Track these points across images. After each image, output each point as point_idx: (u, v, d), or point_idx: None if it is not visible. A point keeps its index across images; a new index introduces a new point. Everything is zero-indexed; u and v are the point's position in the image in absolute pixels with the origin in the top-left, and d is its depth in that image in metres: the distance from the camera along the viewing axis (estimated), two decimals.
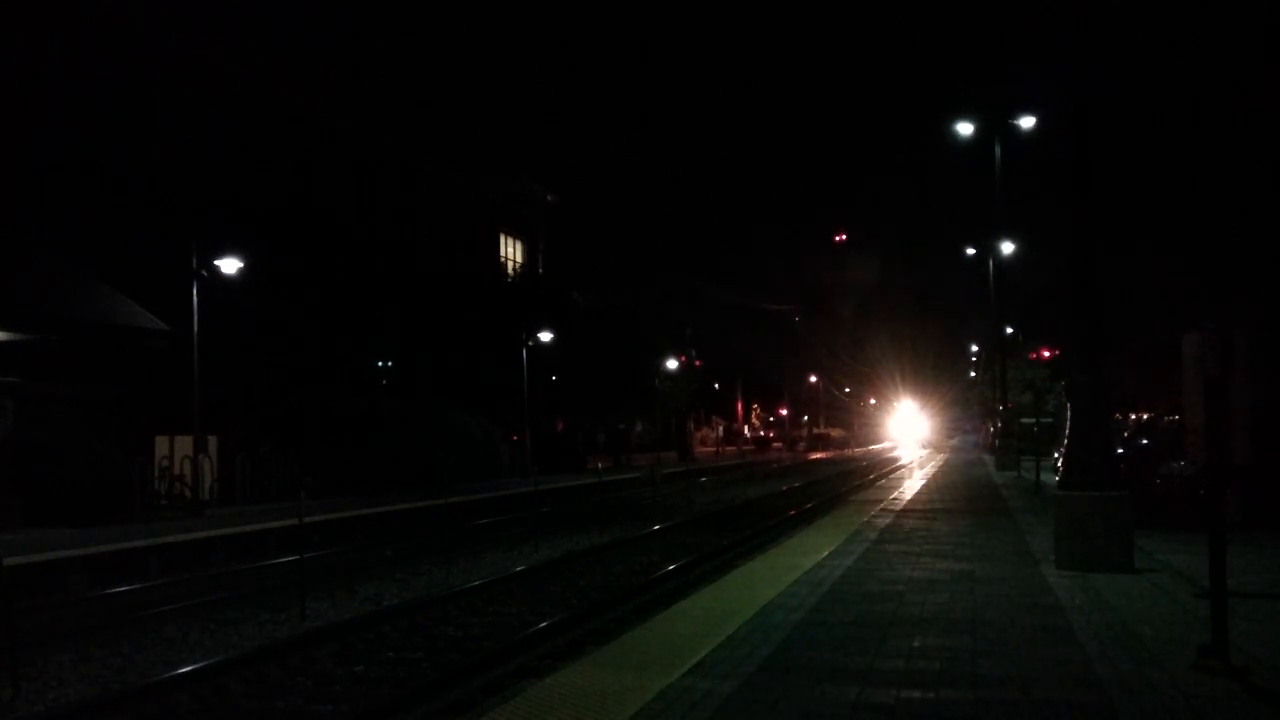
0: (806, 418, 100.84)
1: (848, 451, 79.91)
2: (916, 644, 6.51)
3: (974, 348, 73.00)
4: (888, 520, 15.38)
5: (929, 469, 35.44)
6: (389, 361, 31.12)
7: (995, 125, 31.18)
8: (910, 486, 24.68)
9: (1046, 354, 46.91)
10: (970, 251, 42.56)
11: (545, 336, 35.40)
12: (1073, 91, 10.01)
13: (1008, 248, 35.12)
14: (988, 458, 41.37)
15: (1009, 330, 42.14)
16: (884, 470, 42.42)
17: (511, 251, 51.42)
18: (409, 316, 30.94)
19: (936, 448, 79.13)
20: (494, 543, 19.79)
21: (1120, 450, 15.64)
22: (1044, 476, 22.85)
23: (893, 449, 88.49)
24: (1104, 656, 6.06)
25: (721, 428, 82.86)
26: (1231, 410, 5.92)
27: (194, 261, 21.38)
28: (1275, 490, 12.51)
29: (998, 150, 31.24)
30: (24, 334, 19.33)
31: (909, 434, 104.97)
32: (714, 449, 73.16)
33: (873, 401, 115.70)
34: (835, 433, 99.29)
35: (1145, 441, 17.36)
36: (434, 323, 32.04)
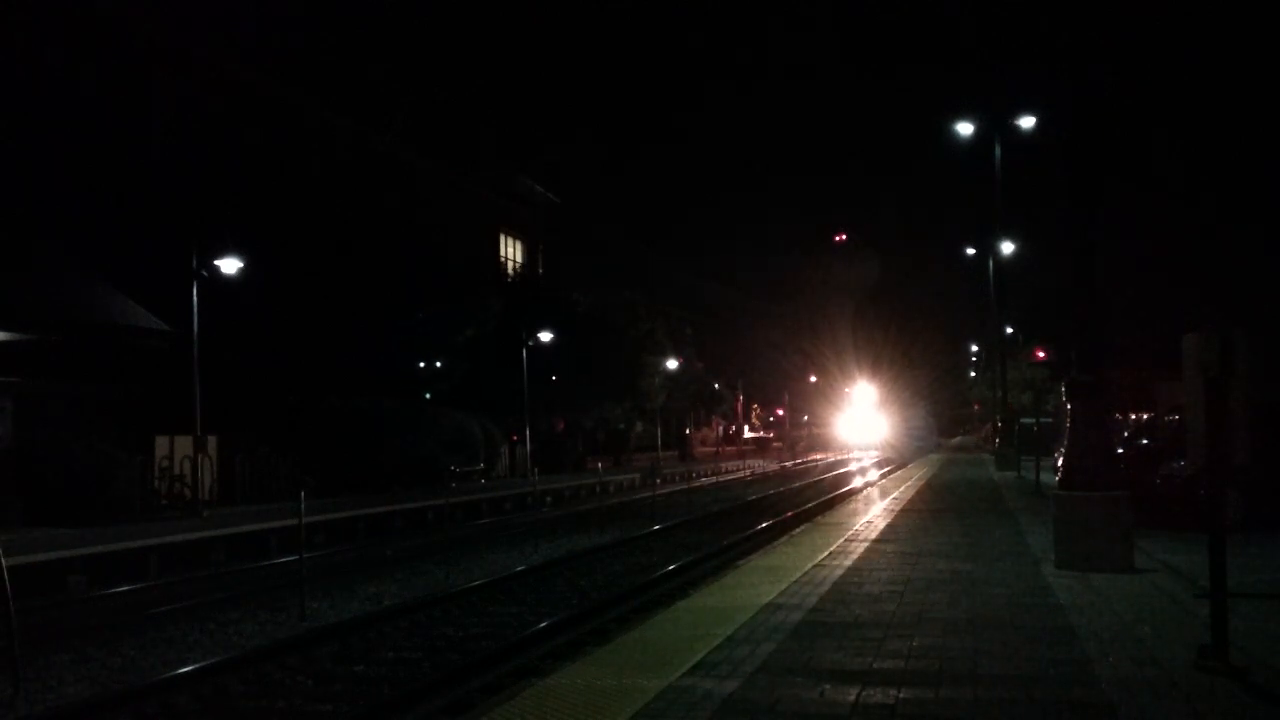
0: (807, 417, 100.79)
1: (844, 454, 78.88)
2: (916, 644, 6.51)
3: (974, 348, 72.94)
4: (888, 520, 15.38)
5: (925, 473, 35.39)
6: (389, 361, 31.08)
7: (996, 125, 31.15)
8: (911, 487, 24.68)
9: (1041, 355, 46.97)
10: (970, 251, 42.55)
11: (545, 336, 35.38)
12: (1073, 92, 10.01)
13: (1008, 248, 35.10)
14: (987, 457, 41.36)
15: (1009, 330, 42.14)
16: (879, 474, 42.38)
17: (511, 251, 51.41)
18: (408, 316, 30.91)
19: (899, 451, 69.28)
20: (494, 542, 19.80)
21: (1120, 450, 15.64)
22: (1044, 476, 22.84)
23: (843, 461, 61.96)
24: (1104, 656, 6.07)
25: (721, 428, 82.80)
26: (1231, 410, 5.91)
27: (194, 261, 21.35)
28: (1275, 490, 12.51)
29: (998, 150, 31.22)
30: (24, 334, 19.32)
31: (866, 433, 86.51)
32: (714, 449, 73.12)
33: (873, 401, 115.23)
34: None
35: (1145, 441, 17.36)
36: (434, 322, 32.01)
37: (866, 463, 56.60)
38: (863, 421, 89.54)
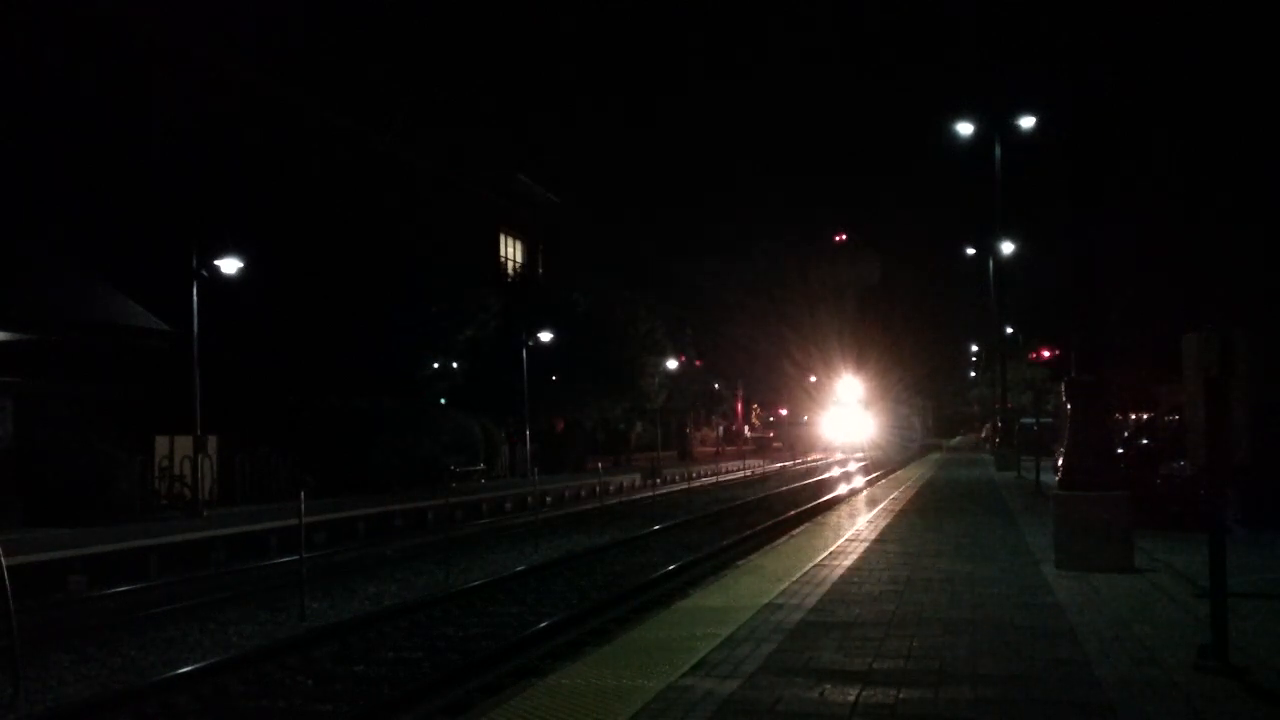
0: (806, 417, 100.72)
1: (831, 455, 76.26)
2: (917, 644, 6.51)
3: (974, 347, 72.91)
4: (888, 520, 15.38)
5: (925, 474, 35.39)
6: (389, 361, 31.07)
7: (996, 125, 31.16)
8: (911, 488, 24.68)
9: (1046, 354, 46.94)
10: (970, 251, 42.56)
11: (545, 336, 35.39)
12: (1073, 92, 10.01)
13: (1008, 248, 35.11)
14: (987, 458, 41.38)
15: (1009, 330, 42.14)
16: (879, 475, 42.35)
17: (511, 251, 51.38)
18: (408, 316, 30.91)
19: (886, 452, 66.50)
20: (494, 543, 19.81)
21: (1120, 450, 15.65)
22: (1044, 477, 22.85)
23: (840, 462, 57.95)
24: (1104, 656, 6.07)
25: (721, 428, 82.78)
26: (1231, 410, 5.91)
27: (194, 261, 21.36)
28: (1275, 490, 12.51)
29: (998, 150, 31.23)
30: (24, 334, 19.31)
31: (853, 433, 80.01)
32: (714, 449, 73.08)
33: (864, 401, 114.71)
34: None
35: (1145, 441, 17.38)
36: (434, 322, 32.01)
37: (862, 464, 56.50)
38: (852, 421, 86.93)
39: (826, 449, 79.27)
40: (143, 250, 23.86)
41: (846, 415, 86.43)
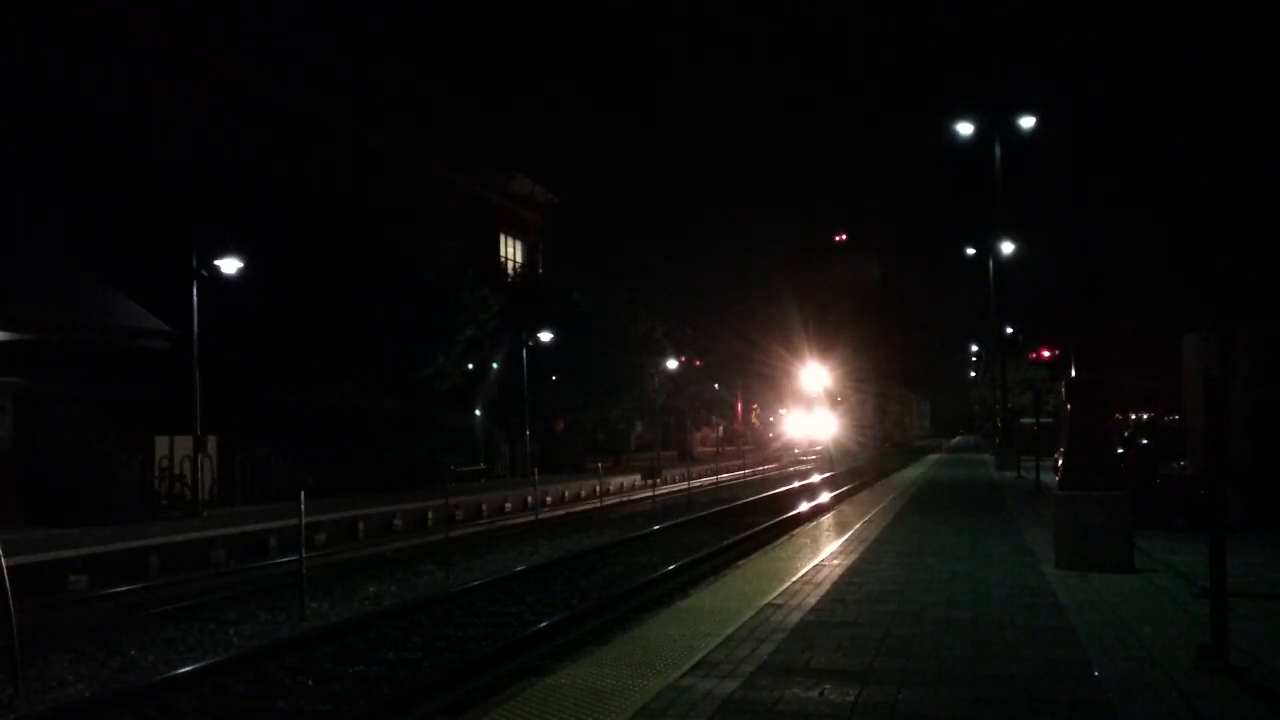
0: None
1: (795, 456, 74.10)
2: (916, 643, 6.51)
3: (974, 347, 72.87)
4: (888, 520, 15.38)
5: (925, 474, 35.37)
6: (389, 361, 31.07)
7: (996, 125, 31.15)
8: (911, 487, 24.67)
9: (1046, 354, 46.91)
10: (970, 252, 42.55)
11: (545, 336, 35.38)
12: (1073, 92, 10.01)
13: (1008, 248, 35.09)
14: (987, 458, 41.37)
15: (1009, 330, 42.13)
16: (878, 475, 42.35)
17: (511, 251, 51.38)
18: (408, 316, 30.91)
19: (854, 454, 63.91)
20: (494, 543, 19.81)
21: (1120, 450, 15.65)
22: (1044, 476, 22.85)
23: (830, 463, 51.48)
24: (1104, 656, 6.07)
25: (721, 428, 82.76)
26: (1231, 410, 5.92)
27: (194, 261, 21.36)
28: (1275, 490, 12.52)
29: (998, 150, 31.22)
30: (24, 334, 19.31)
31: (816, 432, 75.24)
32: (714, 449, 73.02)
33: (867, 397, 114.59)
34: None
35: (1145, 441, 17.37)
36: (434, 322, 32.00)
37: (846, 466, 56.21)
38: (820, 420, 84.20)
39: (782, 450, 76.85)
40: (143, 250, 23.85)
41: (817, 413, 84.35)
